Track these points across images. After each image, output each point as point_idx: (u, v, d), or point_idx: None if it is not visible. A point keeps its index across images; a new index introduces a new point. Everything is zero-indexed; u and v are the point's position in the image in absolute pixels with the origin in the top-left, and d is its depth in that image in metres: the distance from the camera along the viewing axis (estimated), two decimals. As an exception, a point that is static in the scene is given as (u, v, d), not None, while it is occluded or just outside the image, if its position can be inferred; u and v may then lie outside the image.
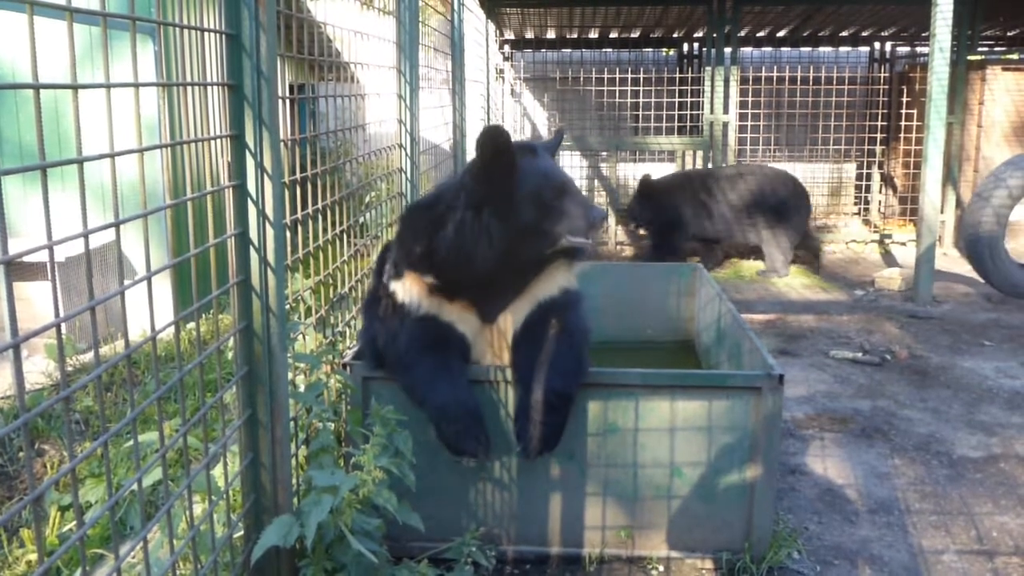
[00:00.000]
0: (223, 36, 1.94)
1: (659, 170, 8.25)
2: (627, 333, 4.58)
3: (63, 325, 1.37)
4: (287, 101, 2.38)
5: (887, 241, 8.60)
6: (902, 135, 9.01)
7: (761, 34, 10.04)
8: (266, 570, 2.18)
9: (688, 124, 9.17)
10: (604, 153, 9.16)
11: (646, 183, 7.58)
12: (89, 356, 4.94)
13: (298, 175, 2.60)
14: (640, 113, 9.37)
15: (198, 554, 1.98)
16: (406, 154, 3.85)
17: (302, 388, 2.56)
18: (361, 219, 3.49)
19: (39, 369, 4.69)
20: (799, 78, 9.20)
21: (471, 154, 2.50)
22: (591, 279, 4.29)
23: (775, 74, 9.17)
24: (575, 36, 10.29)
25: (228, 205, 2.01)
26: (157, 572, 1.79)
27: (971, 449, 3.73)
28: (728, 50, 8.51)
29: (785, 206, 7.33)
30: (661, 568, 2.75)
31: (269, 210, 2.03)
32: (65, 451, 3.66)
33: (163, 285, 4.99)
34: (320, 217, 2.83)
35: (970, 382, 4.61)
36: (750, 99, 9.30)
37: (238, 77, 1.95)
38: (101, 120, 1.79)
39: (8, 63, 5.47)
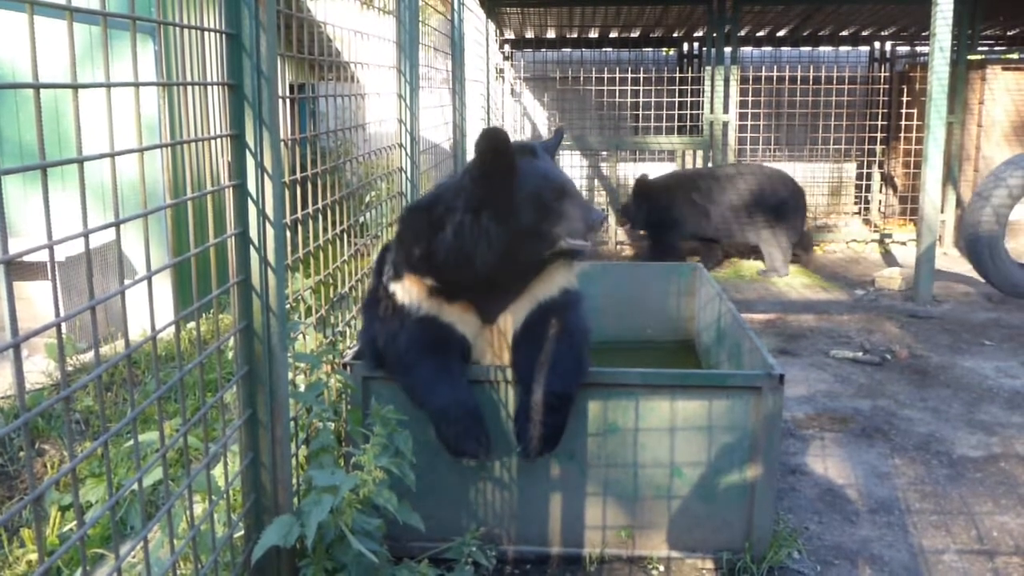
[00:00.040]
0: (223, 36, 1.94)
1: (659, 170, 8.25)
2: (627, 333, 4.58)
3: (63, 325, 1.36)
4: (287, 101, 2.38)
5: (887, 241, 8.60)
6: (902, 135, 9.01)
7: (761, 34, 10.04)
8: (266, 570, 2.18)
9: (688, 124, 9.17)
10: (604, 153, 9.16)
11: (641, 183, 7.59)
12: (89, 356, 4.94)
13: (298, 175, 2.60)
14: (640, 113, 9.37)
15: (198, 554, 1.98)
16: (406, 153, 3.85)
17: (302, 388, 2.56)
18: (361, 219, 3.49)
19: (39, 369, 4.69)
20: (799, 78, 9.19)
21: (471, 153, 2.50)
22: (591, 279, 4.29)
23: (775, 74, 9.17)
24: (575, 36, 10.30)
25: (228, 205, 2.01)
26: (157, 572, 1.79)
27: (971, 449, 3.73)
28: (728, 50, 8.51)
29: (784, 205, 7.33)
30: (661, 568, 2.75)
31: (269, 210, 2.03)
32: (65, 451, 3.66)
33: (163, 285, 4.99)
34: (320, 217, 2.83)
35: (970, 382, 4.61)
36: (750, 99, 9.30)
37: (238, 77, 1.95)
38: (101, 120, 1.79)
39: (8, 63, 5.47)
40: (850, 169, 9.93)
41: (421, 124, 4.11)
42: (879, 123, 9.40)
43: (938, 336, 5.52)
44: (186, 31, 5.47)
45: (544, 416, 2.53)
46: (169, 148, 5.60)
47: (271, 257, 2.05)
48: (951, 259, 8.02)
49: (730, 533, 2.75)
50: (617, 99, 9.32)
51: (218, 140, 2.44)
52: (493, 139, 2.40)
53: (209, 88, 5.44)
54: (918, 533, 3.01)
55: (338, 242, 3.06)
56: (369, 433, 2.31)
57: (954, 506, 3.22)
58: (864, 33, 9.90)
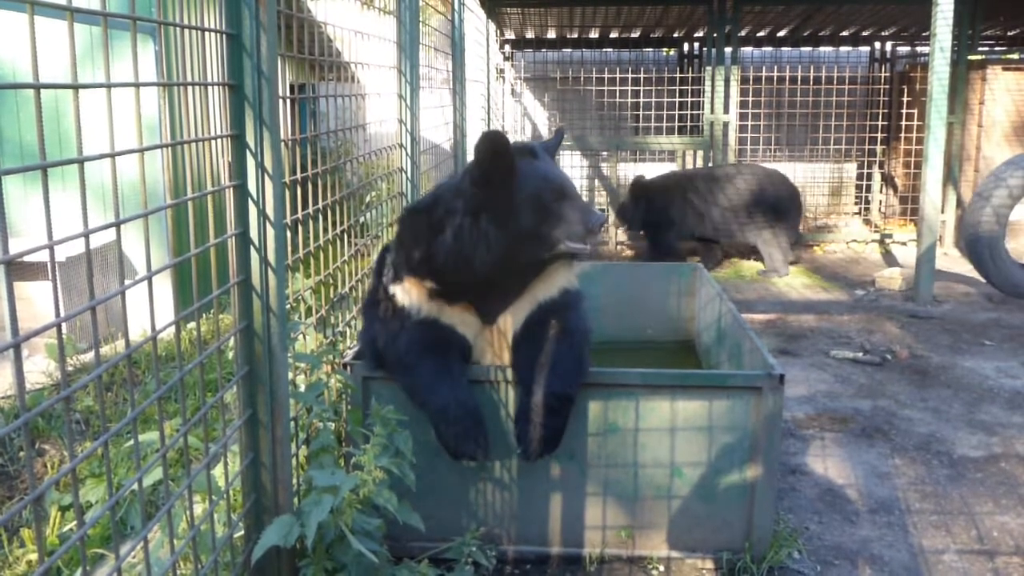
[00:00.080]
0: (224, 36, 1.94)
1: (660, 170, 8.25)
2: (627, 333, 4.58)
3: (64, 325, 1.37)
4: (287, 101, 2.38)
5: (888, 241, 8.60)
6: (903, 135, 9.01)
7: (761, 34, 10.04)
8: (267, 570, 2.18)
9: (688, 124, 9.17)
10: (604, 153, 9.16)
11: (637, 183, 7.60)
12: (89, 356, 4.94)
13: (299, 175, 2.60)
14: (640, 113, 9.37)
15: (198, 554, 1.98)
16: (406, 154, 3.85)
17: (303, 388, 2.56)
18: (361, 219, 3.49)
19: (40, 369, 4.69)
20: (799, 78, 9.19)
21: (471, 154, 2.50)
22: (591, 279, 4.30)
23: (775, 74, 9.17)
24: (575, 36, 10.30)
25: (229, 205, 2.01)
26: (157, 572, 1.79)
27: (972, 449, 3.73)
28: (728, 50, 8.51)
29: (782, 205, 7.34)
30: (661, 568, 2.75)
31: (269, 210, 2.03)
32: (65, 451, 3.66)
33: (164, 285, 4.99)
34: (320, 217, 2.83)
35: (971, 382, 4.61)
36: (750, 99, 9.30)
37: (239, 77, 1.95)
38: (102, 120, 1.79)
39: (8, 63, 5.47)
40: (850, 169, 9.93)
41: (421, 124, 4.11)
42: (879, 123, 9.40)
43: (938, 336, 5.52)
44: (186, 31, 5.47)
45: (544, 418, 2.53)
46: (169, 148, 5.61)
47: (271, 257, 2.05)
48: (951, 259, 8.01)
49: (730, 533, 2.75)
50: (617, 99, 9.32)
51: (218, 140, 2.43)
52: (493, 143, 2.40)
53: (209, 88, 5.45)
54: (918, 533, 3.01)
55: (338, 242, 3.06)
56: (369, 433, 2.31)
57: (954, 506, 3.21)
58: (864, 33, 9.90)
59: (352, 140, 3.69)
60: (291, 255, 2.47)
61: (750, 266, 7.82)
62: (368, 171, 3.82)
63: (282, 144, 2.13)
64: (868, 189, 9.69)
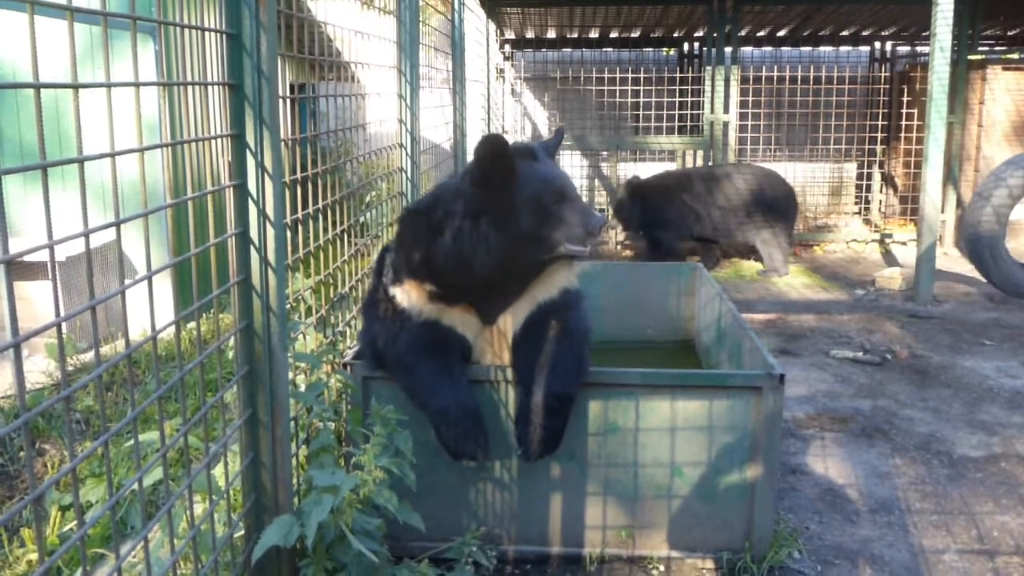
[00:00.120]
0: (224, 35, 1.94)
1: (659, 170, 8.25)
2: (627, 333, 4.58)
3: (64, 324, 1.36)
4: (287, 101, 2.38)
5: (888, 240, 8.60)
6: (903, 135, 9.01)
7: (761, 34, 10.04)
8: (267, 570, 2.18)
9: (688, 124, 9.17)
10: (604, 153, 9.16)
11: (634, 183, 7.60)
12: (90, 355, 4.94)
13: (299, 175, 2.60)
14: (640, 113, 9.37)
15: (199, 554, 1.98)
16: (406, 153, 3.85)
17: (303, 388, 2.56)
18: (361, 219, 3.49)
19: (40, 368, 4.69)
20: (799, 78, 9.19)
21: (471, 154, 2.50)
22: (591, 279, 4.29)
23: (775, 74, 9.17)
24: (575, 36, 10.29)
25: (229, 205, 2.01)
26: (158, 572, 1.79)
27: (972, 448, 3.73)
28: (728, 50, 8.51)
29: (780, 205, 7.34)
30: (662, 568, 2.75)
31: (269, 210, 2.03)
32: (66, 451, 3.66)
33: (164, 284, 4.99)
34: (320, 217, 2.83)
35: (971, 381, 4.61)
36: (750, 99, 9.30)
37: (239, 76, 1.95)
38: (102, 119, 1.79)
39: (8, 63, 5.47)
40: (850, 169, 9.93)
41: (421, 124, 4.11)
42: (879, 123, 9.40)
43: (938, 336, 5.52)
44: (186, 31, 5.47)
45: (544, 419, 2.53)
46: (169, 148, 5.61)
47: (271, 257, 2.05)
48: (951, 259, 8.01)
49: (730, 533, 2.75)
50: (617, 99, 9.32)
51: (218, 140, 2.44)
52: (492, 146, 2.39)
53: (209, 88, 5.44)
54: (918, 533, 3.01)
55: (338, 242, 3.06)
56: (369, 433, 2.31)
57: (954, 506, 3.21)
58: (864, 33, 9.90)
59: (352, 140, 3.69)
60: (291, 255, 2.47)
61: (750, 266, 7.82)
62: (368, 171, 3.82)
63: (282, 144, 2.13)
64: (868, 189, 9.69)
